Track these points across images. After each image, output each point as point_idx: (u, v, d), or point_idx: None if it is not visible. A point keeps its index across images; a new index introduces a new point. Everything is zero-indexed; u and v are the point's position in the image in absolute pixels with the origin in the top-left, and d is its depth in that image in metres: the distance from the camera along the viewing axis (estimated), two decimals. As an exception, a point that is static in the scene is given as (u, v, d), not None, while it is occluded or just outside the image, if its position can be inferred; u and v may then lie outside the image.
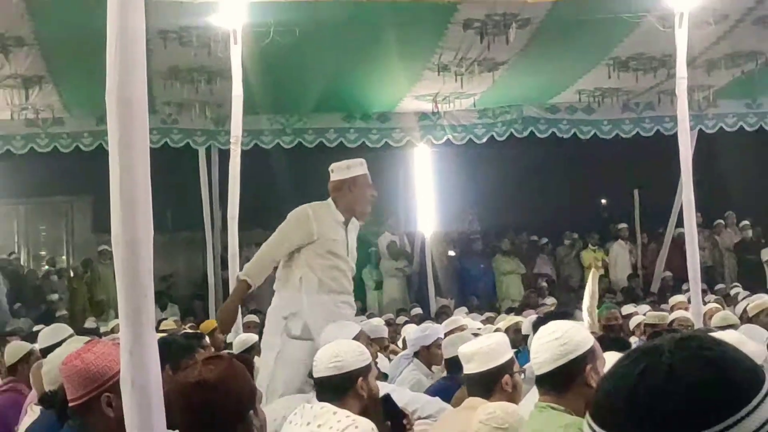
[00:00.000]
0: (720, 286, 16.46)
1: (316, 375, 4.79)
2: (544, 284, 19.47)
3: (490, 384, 5.01)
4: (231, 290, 8.10)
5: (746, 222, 20.20)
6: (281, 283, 7.32)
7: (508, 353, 5.15)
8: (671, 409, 1.29)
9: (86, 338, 6.20)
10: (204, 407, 3.53)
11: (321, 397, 4.57)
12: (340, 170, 7.33)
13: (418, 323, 11.38)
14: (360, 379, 4.69)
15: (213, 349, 7.10)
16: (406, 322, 12.99)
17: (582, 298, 15.40)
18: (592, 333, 5.92)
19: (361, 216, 7.46)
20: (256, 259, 7.41)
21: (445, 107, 16.70)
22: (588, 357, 4.14)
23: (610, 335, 8.04)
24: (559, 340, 4.17)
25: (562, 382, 4.12)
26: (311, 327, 6.85)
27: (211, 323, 13.52)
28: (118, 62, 3.04)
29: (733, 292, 14.90)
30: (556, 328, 4.31)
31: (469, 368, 5.19)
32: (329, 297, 7.15)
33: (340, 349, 4.85)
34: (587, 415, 1.40)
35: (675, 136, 9.81)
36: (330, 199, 7.33)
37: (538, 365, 4.21)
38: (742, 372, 1.34)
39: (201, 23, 12.00)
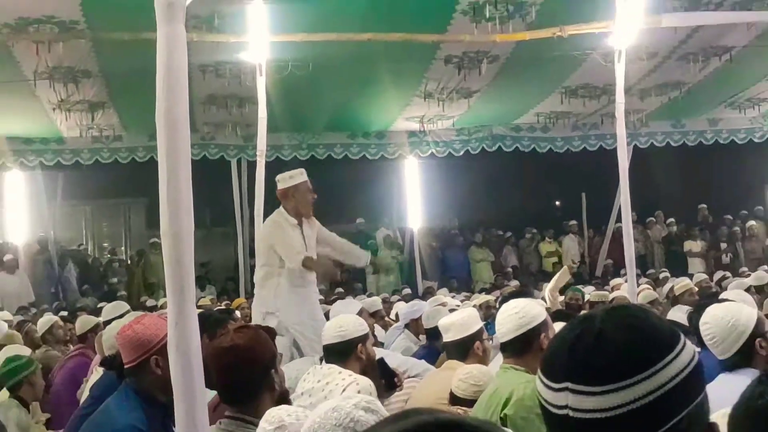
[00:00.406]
0: (651, 271, 16.48)
1: (324, 343, 4.79)
2: (509, 270, 19.48)
3: (465, 349, 5.04)
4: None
5: (671, 220, 20.27)
6: (260, 284, 7.26)
7: (478, 324, 5.19)
8: (601, 363, 1.34)
9: (139, 313, 6.19)
10: (235, 367, 3.55)
11: (328, 360, 4.57)
12: (284, 180, 7.28)
13: (408, 301, 11.34)
14: (359, 345, 4.68)
15: (242, 321, 7.08)
16: (398, 300, 12.95)
17: (539, 282, 15.47)
18: (553, 309, 5.95)
19: (307, 216, 7.26)
20: (291, 249, 7.17)
21: (430, 127, 16.67)
22: (542, 327, 4.18)
23: (568, 311, 8.09)
24: (518, 314, 4.22)
25: (522, 347, 4.16)
26: (285, 324, 6.79)
27: (240, 300, 13.51)
28: (165, 90, 3.03)
29: (661, 276, 14.91)
30: (516, 304, 4.36)
31: (447, 337, 5.24)
32: (298, 291, 7.08)
33: (343, 321, 4.86)
34: (538, 370, 1.45)
35: (615, 151, 9.79)
36: (281, 207, 7.27)
37: (502, 334, 4.24)
38: (658, 334, 1.38)
39: (233, 59, 12.00)
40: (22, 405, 6.09)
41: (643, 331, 1.38)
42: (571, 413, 1.35)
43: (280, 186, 7.31)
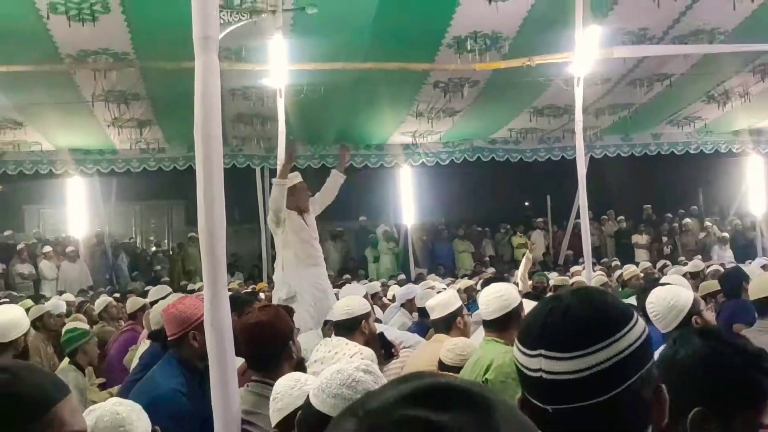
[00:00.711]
0: (604, 260, 16.46)
1: (334, 319, 4.81)
2: (487, 259, 19.49)
3: (449, 324, 5.05)
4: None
5: (621, 217, 20.28)
6: (277, 268, 7.17)
7: (458, 303, 5.19)
8: (569, 334, 1.36)
9: (180, 294, 6.20)
10: (259, 339, 3.58)
11: (337, 333, 4.56)
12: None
13: (403, 285, 11.33)
14: (363, 321, 4.70)
15: (265, 302, 7.07)
16: (394, 284, 12.93)
17: (512, 269, 15.45)
18: (524, 291, 5.96)
19: (305, 209, 7.12)
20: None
21: (421, 140, 16.65)
22: (519, 307, 4.23)
23: (536, 293, 8.10)
24: (502, 297, 4.26)
25: (503, 324, 4.19)
26: (301, 292, 6.76)
27: (262, 285, 13.52)
28: (201, 110, 3.03)
29: (612, 264, 14.94)
30: (499, 288, 4.38)
31: (433, 315, 5.25)
32: (306, 267, 6.97)
33: (350, 302, 4.88)
34: (516, 340, 1.46)
35: (574, 160, 9.78)
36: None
37: (488, 313, 4.26)
38: (616, 311, 1.40)
39: (257, 84, 12.01)
40: (79, 369, 6.09)
41: (604, 308, 1.40)
42: (544, 375, 1.36)
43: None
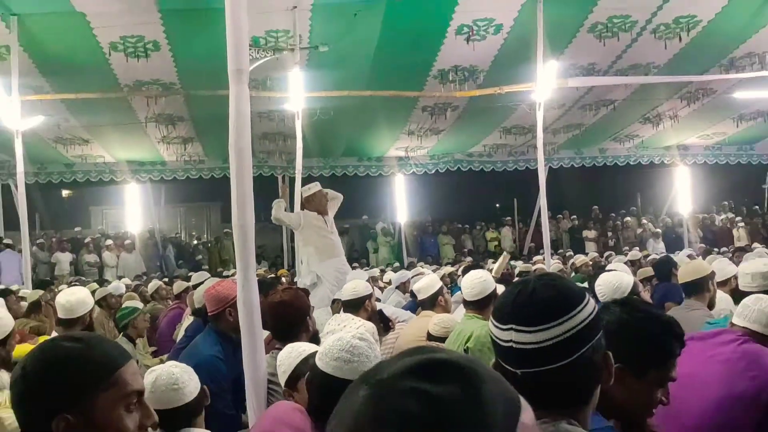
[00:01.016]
0: (560, 251, 16.46)
1: (343, 299, 4.80)
2: (466, 250, 19.45)
3: (432, 302, 5.02)
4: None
5: (574, 216, 20.22)
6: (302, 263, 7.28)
7: (439, 285, 5.15)
8: (534, 311, 1.37)
9: (217, 279, 6.19)
10: (283, 315, 3.57)
11: (345, 310, 4.56)
12: (306, 191, 7.30)
13: (397, 271, 11.31)
14: (366, 300, 4.69)
15: (286, 285, 7.06)
16: (390, 270, 12.91)
17: (486, 258, 15.41)
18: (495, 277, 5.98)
19: (324, 212, 7.18)
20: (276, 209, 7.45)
21: (412, 154, 16.64)
22: (494, 290, 4.23)
23: (504, 278, 8.10)
24: (483, 282, 4.26)
25: (481, 304, 4.19)
26: (324, 281, 6.83)
27: (283, 271, 13.50)
28: (235, 129, 3.03)
29: (567, 254, 14.91)
30: (480, 275, 4.39)
31: (419, 295, 5.24)
32: (326, 259, 7.04)
33: (356, 284, 4.86)
34: (491, 317, 1.46)
35: (536, 170, 9.81)
36: (305, 211, 7.26)
37: (473, 295, 4.25)
38: (572, 293, 1.40)
39: (280, 108, 12.00)
40: (130, 341, 6.08)
41: (562, 291, 1.39)
42: (514, 345, 1.36)
43: (303, 195, 7.34)
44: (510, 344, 1.37)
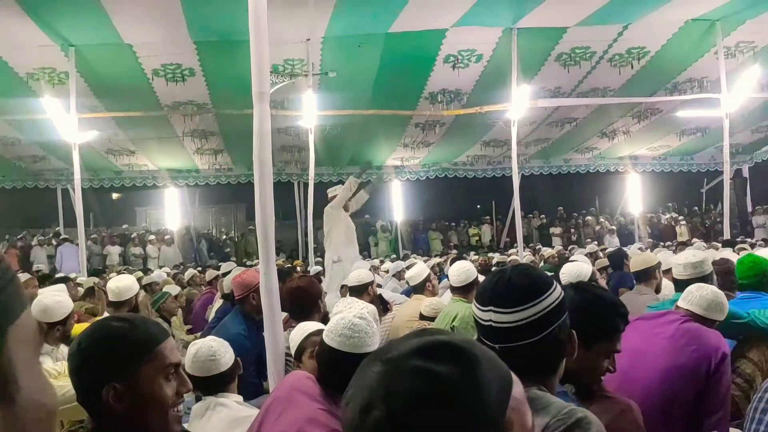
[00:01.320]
0: (531, 245, 16.46)
1: (349, 284, 4.78)
2: (452, 244, 19.45)
3: (422, 287, 4.98)
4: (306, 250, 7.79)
5: (543, 216, 20.24)
6: (327, 244, 7.26)
7: (426, 272, 5.11)
8: (509, 296, 1.37)
9: (242, 268, 6.17)
10: (299, 299, 3.54)
11: (351, 295, 4.54)
12: (331, 192, 7.27)
13: (394, 262, 11.30)
14: (369, 286, 4.67)
15: (301, 273, 7.06)
16: (387, 261, 12.88)
17: (468, 251, 15.35)
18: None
19: (347, 209, 7.26)
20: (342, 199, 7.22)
21: (407, 163, 16.65)
22: (477, 278, 4.20)
23: (484, 268, 8.09)
24: (467, 271, 4.22)
25: (466, 289, 4.14)
26: (342, 259, 6.85)
27: (298, 262, 13.46)
28: (258, 142, 3.01)
29: (537, 248, 14.89)
30: (465, 265, 4.35)
31: (411, 282, 5.20)
32: (347, 245, 7.11)
33: (361, 272, 4.83)
34: (473, 300, 1.46)
35: (511, 177, 9.82)
36: (329, 204, 7.22)
37: (456, 282, 4.21)
38: (541, 280, 1.39)
39: (295, 125, 12.01)
40: (165, 320, 6.05)
41: (534, 279, 1.39)
42: (493, 324, 1.36)
43: (330, 194, 7.30)
44: (490, 323, 1.37)
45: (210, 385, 2.69)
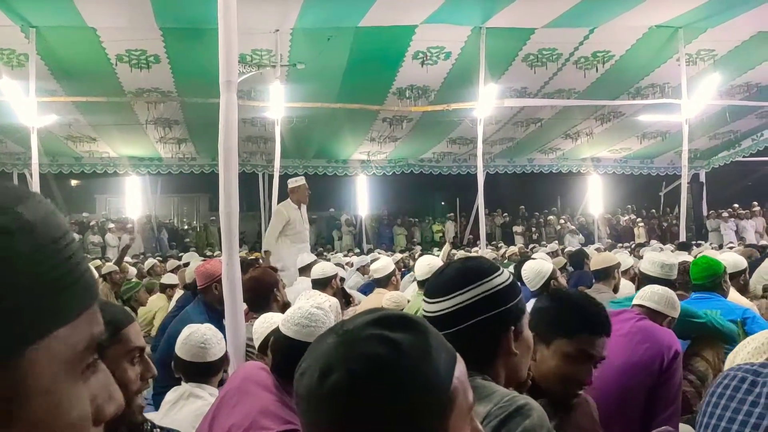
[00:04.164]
0: (494, 242, 16.62)
1: (312, 277, 4.78)
2: (415, 240, 19.58)
3: (386, 282, 5.04)
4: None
5: (506, 214, 20.46)
6: (270, 243, 7.12)
7: (393, 266, 5.16)
8: (435, 287, 1.41)
9: (203, 259, 6.11)
10: (253, 289, 3.55)
11: (314, 287, 4.54)
12: (291, 183, 7.18)
13: (358, 256, 11.32)
14: (333, 280, 4.68)
15: (262, 265, 7.01)
16: (352, 255, 12.90)
17: (432, 247, 15.44)
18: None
19: (304, 203, 7.15)
20: (268, 235, 7.16)
21: (373, 158, 16.62)
22: None
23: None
24: (429, 265, 4.26)
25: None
26: (287, 266, 6.67)
27: (259, 254, 13.35)
28: (224, 132, 2.99)
29: (499, 245, 15.04)
30: (430, 260, 4.42)
31: (375, 274, 5.23)
32: (296, 246, 6.96)
33: (324, 266, 4.86)
34: (422, 292, 1.51)
35: (476, 175, 9.89)
36: (288, 199, 7.15)
37: (421, 276, 4.26)
38: (489, 266, 1.41)
39: (262, 116, 11.89)
40: (132, 310, 5.98)
41: (462, 270, 1.41)
42: (424, 313, 1.41)
43: (289, 186, 7.24)
44: (423, 313, 1.41)
45: (193, 371, 2.67)
